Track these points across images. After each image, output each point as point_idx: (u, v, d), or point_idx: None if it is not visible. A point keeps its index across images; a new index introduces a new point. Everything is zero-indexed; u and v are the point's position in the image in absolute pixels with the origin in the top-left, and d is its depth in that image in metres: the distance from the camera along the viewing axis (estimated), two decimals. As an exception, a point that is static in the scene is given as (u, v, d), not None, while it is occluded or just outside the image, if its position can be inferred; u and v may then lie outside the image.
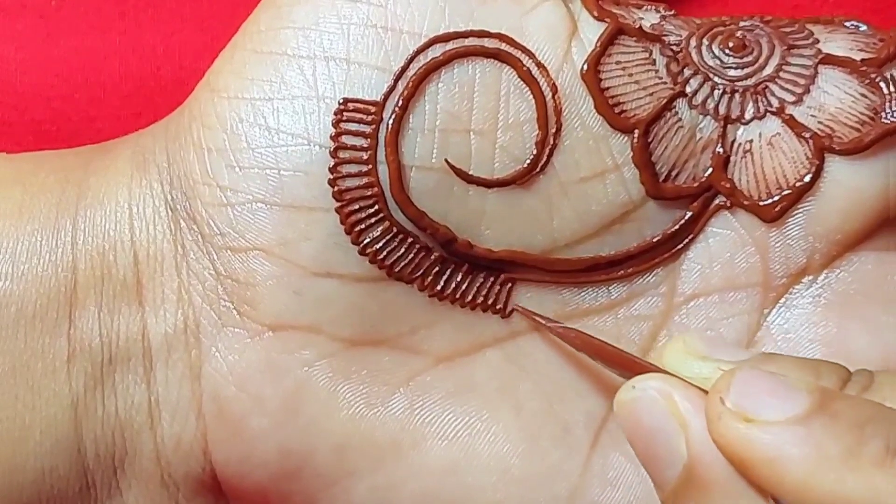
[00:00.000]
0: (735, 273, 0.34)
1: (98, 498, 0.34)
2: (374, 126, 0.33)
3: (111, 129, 0.41)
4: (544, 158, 0.33)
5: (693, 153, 0.34)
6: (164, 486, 0.34)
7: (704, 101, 0.34)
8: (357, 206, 0.33)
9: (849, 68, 0.34)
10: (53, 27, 0.42)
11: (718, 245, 0.34)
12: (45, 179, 0.35)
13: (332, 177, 0.33)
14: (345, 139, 0.33)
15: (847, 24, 0.36)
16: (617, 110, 0.33)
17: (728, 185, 0.34)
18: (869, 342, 0.34)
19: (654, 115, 0.34)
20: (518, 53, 0.33)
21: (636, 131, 0.33)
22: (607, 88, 0.34)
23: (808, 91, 0.34)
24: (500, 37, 0.33)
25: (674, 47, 0.34)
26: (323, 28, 0.33)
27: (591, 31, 0.34)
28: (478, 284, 0.34)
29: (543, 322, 0.34)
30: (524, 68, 0.33)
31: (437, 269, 0.34)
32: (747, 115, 0.34)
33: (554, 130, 0.33)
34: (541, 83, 0.33)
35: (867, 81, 0.34)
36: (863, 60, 0.34)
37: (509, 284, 0.34)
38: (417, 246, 0.33)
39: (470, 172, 0.33)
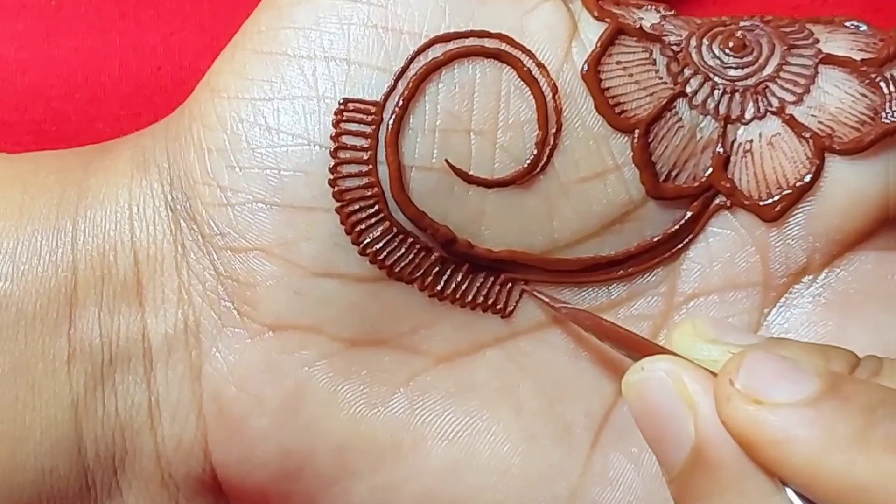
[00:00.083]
0: (735, 273, 0.34)
1: (98, 498, 0.34)
2: (374, 126, 0.33)
3: (111, 129, 0.41)
4: (544, 158, 0.33)
5: (693, 153, 0.34)
6: (164, 486, 0.34)
7: (705, 101, 0.34)
8: (357, 207, 0.33)
9: (849, 68, 0.34)
10: (53, 27, 0.42)
11: (719, 245, 0.34)
12: (46, 180, 0.35)
13: (332, 177, 0.33)
14: (345, 139, 0.33)
15: (847, 24, 0.36)
16: (617, 110, 0.33)
17: (728, 185, 0.34)
18: (869, 341, 0.34)
19: (654, 115, 0.34)
20: (518, 53, 0.33)
21: (636, 131, 0.33)
22: (608, 88, 0.34)
23: (808, 91, 0.34)
24: (501, 37, 0.33)
25: (674, 47, 0.34)
26: (323, 28, 0.33)
27: (592, 32, 0.34)
28: (478, 284, 0.34)
29: (553, 305, 0.34)
30: (524, 68, 0.33)
31: (437, 269, 0.34)
32: (747, 115, 0.34)
33: (554, 130, 0.33)
34: (541, 83, 0.33)
35: (867, 81, 0.34)
36: (863, 60, 0.34)
37: (509, 284, 0.34)
38: (418, 246, 0.33)
39: (470, 172, 0.33)
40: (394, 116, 0.33)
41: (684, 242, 0.34)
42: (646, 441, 0.29)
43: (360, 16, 0.33)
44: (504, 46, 0.33)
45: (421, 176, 0.33)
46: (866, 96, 0.34)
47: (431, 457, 0.33)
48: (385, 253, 0.33)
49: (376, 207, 0.33)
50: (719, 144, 0.34)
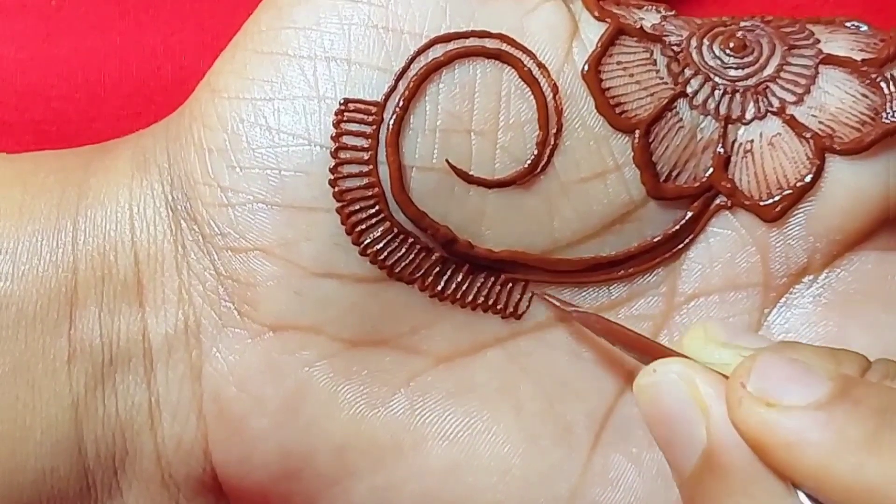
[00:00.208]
0: (736, 273, 0.34)
1: (98, 498, 0.34)
2: (374, 126, 0.33)
3: (111, 129, 0.41)
4: (545, 159, 0.33)
5: (694, 153, 0.34)
6: (164, 486, 0.34)
7: (705, 102, 0.34)
8: (358, 207, 0.33)
9: (849, 68, 0.34)
10: (53, 27, 0.42)
11: (719, 245, 0.34)
12: (46, 180, 0.35)
13: (332, 177, 0.32)
14: (345, 139, 0.33)
15: (848, 24, 0.36)
16: (618, 110, 0.33)
17: (729, 185, 0.34)
18: (869, 342, 0.34)
19: (654, 115, 0.34)
20: (519, 54, 0.33)
21: (637, 131, 0.33)
22: (608, 89, 0.34)
23: (808, 91, 0.34)
24: (501, 37, 0.33)
25: (675, 47, 0.34)
26: (324, 28, 0.33)
27: (592, 32, 0.34)
28: (478, 285, 0.34)
29: (564, 308, 0.34)
30: (525, 69, 0.33)
31: (437, 269, 0.34)
32: (748, 116, 0.34)
33: (555, 131, 0.33)
34: (542, 83, 0.33)
35: (868, 81, 0.34)
36: (863, 60, 0.34)
37: (510, 285, 0.34)
38: (418, 246, 0.33)
39: (470, 173, 0.33)
40: (394, 116, 0.33)
41: (685, 243, 0.34)
42: (657, 444, 0.29)
43: (361, 16, 0.33)
44: (505, 47, 0.33)
45: (421, 176, 0.33)
46: (867, 96, 0.34)
47: (432, 457, 0.33)
48: (385, 253, 0.33)
49: (377, 208, 0.33)
50: (720, 145, 0.34)
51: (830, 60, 0.34)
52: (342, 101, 0.33)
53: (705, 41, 0.35)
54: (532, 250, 0.34)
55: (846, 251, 0.34)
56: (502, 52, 0.33)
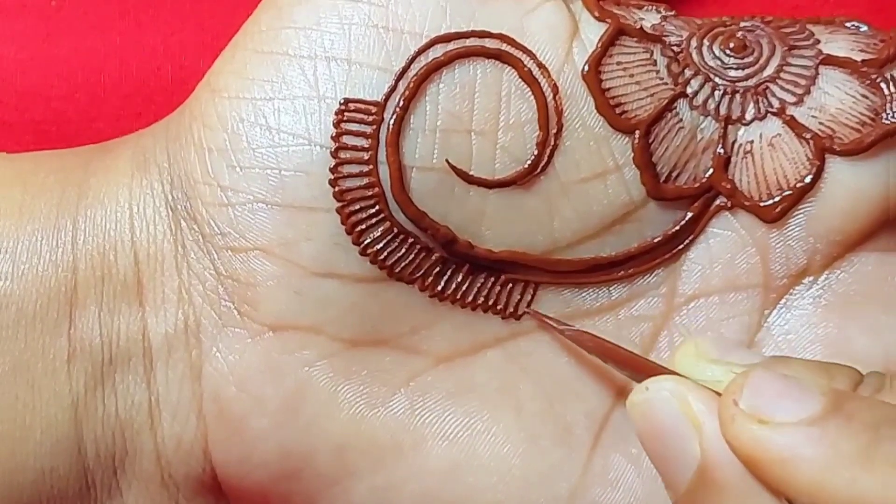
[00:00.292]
0: (735, 274, 0.34)
1: (98, 498, 0.34)
2: (375, 126, 0.33)
3: (111, 129, 0.41)
4: (545, 159, 0.33)
5: (694, 154, 0.34)
6: (164, 486, 0.34)
7: (705, 102, 0.34)
8: (358, 207, 0.33)
9: (849, 69, 0.34)
10: (53, 27, 0.42)
11: (719, 246, 0.34)
12: (46, 179, 0.35)
13: (332, 177, 0.32)
14: (346, 139, 0.33)
15: (848, 24, 0.36)
16: (618, 111, 0.33)
17: (729, 186, 0.34)
18: (869, 343, 0.34)
19: (655, 115, 0.34)
20: (519, 54, 0.33)
21: (637, 132, 0.33)
22: (608, 89, 0.34)
23: (808, 92, 0.34)
24: (502, 37, 0.33)
25: (675, 48, 0.34)
26: (324, 28, 0.33)
27: (593, 32, 0.34)
28: (478, 285, 0.34)
29: (555, 325, 0.34)
30: (525, 69, 0.33)
31: (437, 269, 0.34)
32: (748, 116, 0.34)
33: (555, 131, 0.33)
34: (542, 84, 0.33)
35: (868, 82, 0.34)
36: (863, 61, 0.34)
37: (510, 285, 0.34)
38: (418, 246, 0.33)
39: (471, 173, 0.33)
40: (394, 116, 0.33)
41: (685, 243, 0.34)
42: (651, 460, 0.29)
43: (361, 16, 0.33)
44: (505, 47, 0.33)
45: (421, 176, 0.33)
46: (867, 97, 0.34)
47: (431, 457, 0.33)
48: (385, 253, 0.33)
49: (377, 208, 0.33)
50: (720, 145, 0.34)
51: (830, 61, 0.34)
52: (342, 101, 0.33)
53: (705, 41, 0.35)
54: (532, 251, 0.34)
55: (846, 252, 0.34)
56: (502, 52, 0.33)
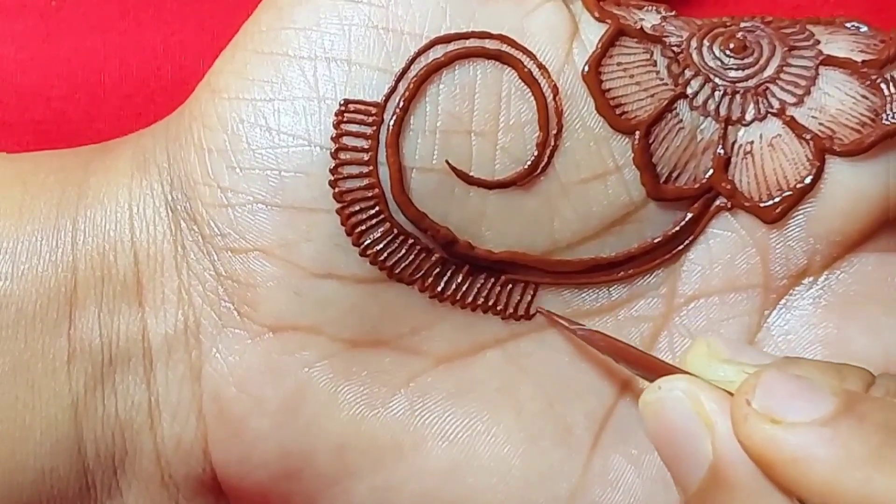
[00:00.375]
0: (735, 274, 0.34)
1: (98, 498, 0.34)
2: (374, 127, 0.33)
3: (111, 129, 0.41)
4: (545, 160, 0.33)
5: (694, 154, 0.34)
6: (164, 486, 0.34)
7: (705, 103, 0.34)
8: (358, 208, 0.33)
9: (850, 69, 0.34)
10: (53, 27, 0.42)
11: (719, 246, 0.34)
12: (46, 179, 0.35)
13: (332, 178, 0.32)
14: (346, 140, 0.33)
15: (848, 24, 0.36)
16: (618, 111, 0.33)
17: (729, 187, 0.34)
18: (869, 343, 0.34)
19: (655, 116, 0.34)
20: (519, 55, 0.33)
21: (637, 133, 0.33)
22: (608, 90, 0.34)
23: (808, 92, 0.34)
24: (502, 38, 0.33)
25: (675, 48, 0.34)
26: (324, 29, 0.33)
27: (593, 33, 0.34)
28: (478, 286, 0.34)
29: (566, 325, 0.34)
30: (525, 69, 0.33)
31: (437, 270, 0.34)
32: (748, 117, 0.34)
33: (555, 132, 0.33)
34: (542, 84, 0.33)
35: (868, 83, 0.34)
36: (864, 62, 0.34)
37: (510, 286, 0.34)
38: (418, 247, 0.33)
39: (471, 174, 0.33)
40: (394, 117, 0.33)
41: (685, 244, 0.34)
42: (662, 460, 0.29)
43: (361, 16, 0.33)
44: (505, 47, 0.33)
45: (421, 177, 0.33)
46: (867, 98, 0.34)
47: (431, 458, 0.33)
48: (385, 254, 0.33)
49: (377, 208, 0.33)
50: (720, 146, 0.34)
51: (830, 61, 0.34)
52: (342, 102, 0.33)
53: (705, 42, 0.35)
54: (532, 251, 0.34)
55: (846, 253, 0.34)
56: (502, 52, 0.33)
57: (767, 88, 0.34)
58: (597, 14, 0.34)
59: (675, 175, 0.34)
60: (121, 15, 0.42)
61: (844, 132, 0.34)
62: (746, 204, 0.34)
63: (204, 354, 0.33)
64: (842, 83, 0.34)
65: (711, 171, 0.34)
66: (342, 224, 0.33)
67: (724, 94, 0.34)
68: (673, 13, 0.36)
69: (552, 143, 0.33)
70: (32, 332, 0.33)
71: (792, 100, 0.34)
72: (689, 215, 0.34)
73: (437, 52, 0.33)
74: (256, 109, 0.33)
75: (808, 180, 0.34)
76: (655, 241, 0.34)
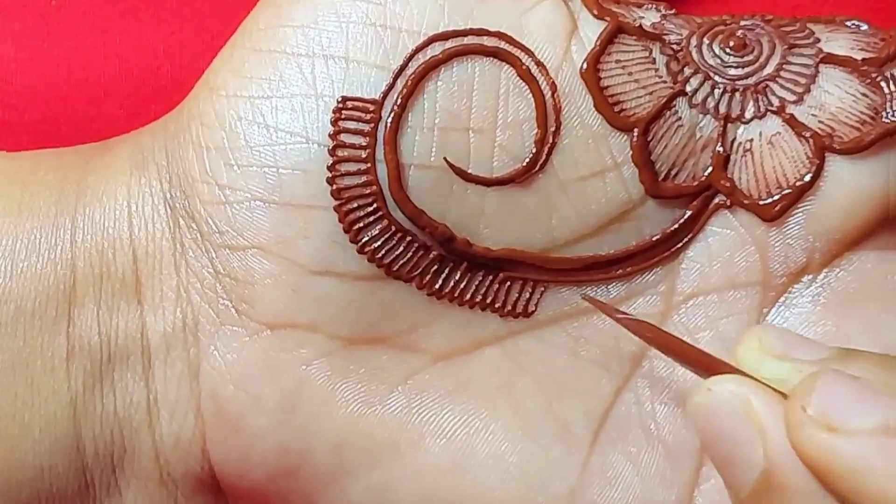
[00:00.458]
0: (735, 272, 0.34)
1: (97, 496, 0.34)
2: (372, 124, 0.33)
3: (111, 129, 0.40)
4: (543, 157, 0.33)
5: (693, 152, 0.34)
6: (162, 484, 0.34)
7: (704, 100, 0.34)
8: (356, 205, 0.33)
9: (850, 67, 0.34)
10: (53, 27, 0.42)
11: (718, 244, 0.34)
12: (45, 177, 0.35)
13: (330, 175, 0.32)
14: (343, 137, 0.33)
15: (848, 23, 0.36)
16: (616, 109, 0.33)
17: (728, 184, 0.34)
18: (868, 342, 0.34)
19: (653, 113, 0.34)
20: (517, 52, 0.33)
21: (636, 130, 0.33)
22: (607, 87, 0.34)
23: (808, 90, 0.34)
24: (500, 35, 0.33)
25: (674, 46, 0.34)
26: (322, 26, 0.33)
27: (591, 30, 0.34)
28: (476, 283, 0.34)
29: (613, 314, 0.33)
30: (523, 67, 0.33)
31: (435, 267, 0.34)
32: (747, 115, 0.34)
33: (553, 129, 0.33)
34: (540, 82, 0.33)
35: (868, 81, 0.34)
36: (864, 60, 0.34)
37: (508, 283, 0.34)
38: (416, 244, 0.33)
39: (469, 171, 0.33)
40: (392, 115, 0.33)
41: (684, 241, 0.34)
42: (712, 462, 0.28)
43: (359, 14, 0.33)
44: (503, 45, 0.33)
45: (419, 174, 0.33)
46: (867, 96, 0.34)
47: (429, 455, 0.33)
48: (383, 251, 0.33)
49: (375, 206, 0.33)
50: (719, 143, 0.34)
51: (830, 59, 0.34)
52: (340, 99, 0.33)
53: (705, 40, 0.35)
54: (530, 249, 0.34)
55: (845, 251, 0.34)
56: (501, 50, 0.33)
57: (767, 86, 0.34)
58: (595, 11, 0.34)
59: (673, 173, 0.34)
60: (121, 15, 0.42)
61: (844, 130, 0.34)
62: (746, 202, 0.34)
63: (202, 352, 0.33)
64: (842, 81, 0.34)
65: (710, 169, 0.34)
66: (340, 221, 0.33)
67: (724, 91, 0.34)
68: (672, 11, 0.36)
69: (550, 141, 0.33)
70: (31, 329, 0.33)
71: (792, 98, 0.34)
72: (688, 213, 0.34)
73: (435, 50, 0.33)
74: (254, 107, 0.33)
75: (807, 178, 0.34)
76: (654, 238, 0.34)
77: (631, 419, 0.34)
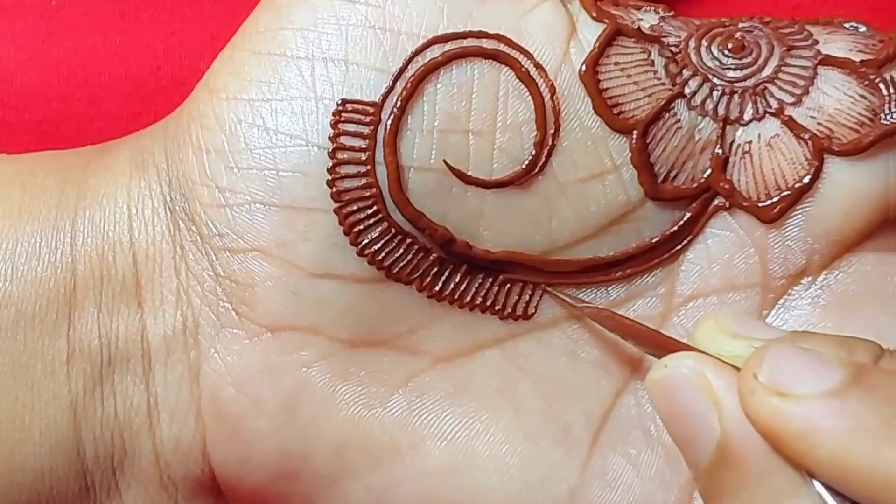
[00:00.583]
0: (734, 274, 0.34)
1: (97, 499, 0.34)
2: (372, 127, 0.33)
3: (111, 129, 0.41)
4: (543, 159, 0.33)
5: (692, 154, 0.34)
6: (163, 487, 0.34)
7: (703, 102, 0.34)
8: (355, 207, 0.33)
9: (848, 69, 0.34)
10: (53, 27, 0.42)
11: (717, 246, 0.34)
12: (45, 180, 0.35)
13: (330, 178, 0.33)
14: (343, 140, 0.33)
15: (846, 25, 0.36)
16: (615, 111, 0.33)
17: (727, 186, 0.34)
18: (868, 343, 0.34)
19: (652, 115, 0.34)
20: (516, 54, 0.33)
21: (635, 132, 0.33)
22: (606, 89, 0.34)
23: (807, 92, 0.34)
24: (499, 37, 0.33)
25: (673, 48, 0.34)
26: (321, 29, 0.33)
27: (590, 32, 0.34)
28: (476, 285, 0.34)
29: (574, 304, 0.34)
30: (523, 69, 0.33)
31: (435, 269, 0.34)
32: (746, 117, 0.34)
33: (552, 131, 0.33)
34: (539, 84, 0.33)
35: (866, 82, 0.34)
36: (862, 62, 0.34)
37: (508, 285, 0.34)
38: (416, 247, 0.33)
39: (468, 173, 0.33)
40: (392, 117, 0.33)
41: (683, 244, 0.34)
42: (671, 438, 0.29)
43: (358, 17, 0.33)
44: (502, 47, 0.33)
45: (419, 176, 0.33)
46: (865, 97, 0.34)
47: (430, 457, 0.33)
48: (383, 253, 0.33)
49: (374, 208, 0.33)
50: (718, 145, 0.34)
51: (829, 61, 0.34)
52: (340, 102, 0.33)
53: (704, 42, 0.35)
54: (530, 251, 0.34)
55: (845, 252, 0.34)
56: (500, 52, 0.33)
57: (766, 88, 0.34)
58: (594, 14, 0.34)
59: (672, 175, 0.34)
60: (121, 15, 0.42)
61: (843, 132, 0.34)
62: (745, 204, 0.34)
63: (202, 355, 0.33)
64: (840, 83, 0.34)
65: (709, 171, 0.34)
66: (340, 224, 0.33)
67: (723, 93, 0.34)
68: (671, 13, 0.36)
69: (550, 143, 0.33)
70: (31, 332, 0.33)
71: (790, 99, 0.34)
72: (688, 215, 0.34)
73: (435, 52, 0.33)
74: (254, 110, 0.33)
75: (806, 180, 0.34)
76: (654, 240, 0.34)
77: (631, 421, 0.34)
